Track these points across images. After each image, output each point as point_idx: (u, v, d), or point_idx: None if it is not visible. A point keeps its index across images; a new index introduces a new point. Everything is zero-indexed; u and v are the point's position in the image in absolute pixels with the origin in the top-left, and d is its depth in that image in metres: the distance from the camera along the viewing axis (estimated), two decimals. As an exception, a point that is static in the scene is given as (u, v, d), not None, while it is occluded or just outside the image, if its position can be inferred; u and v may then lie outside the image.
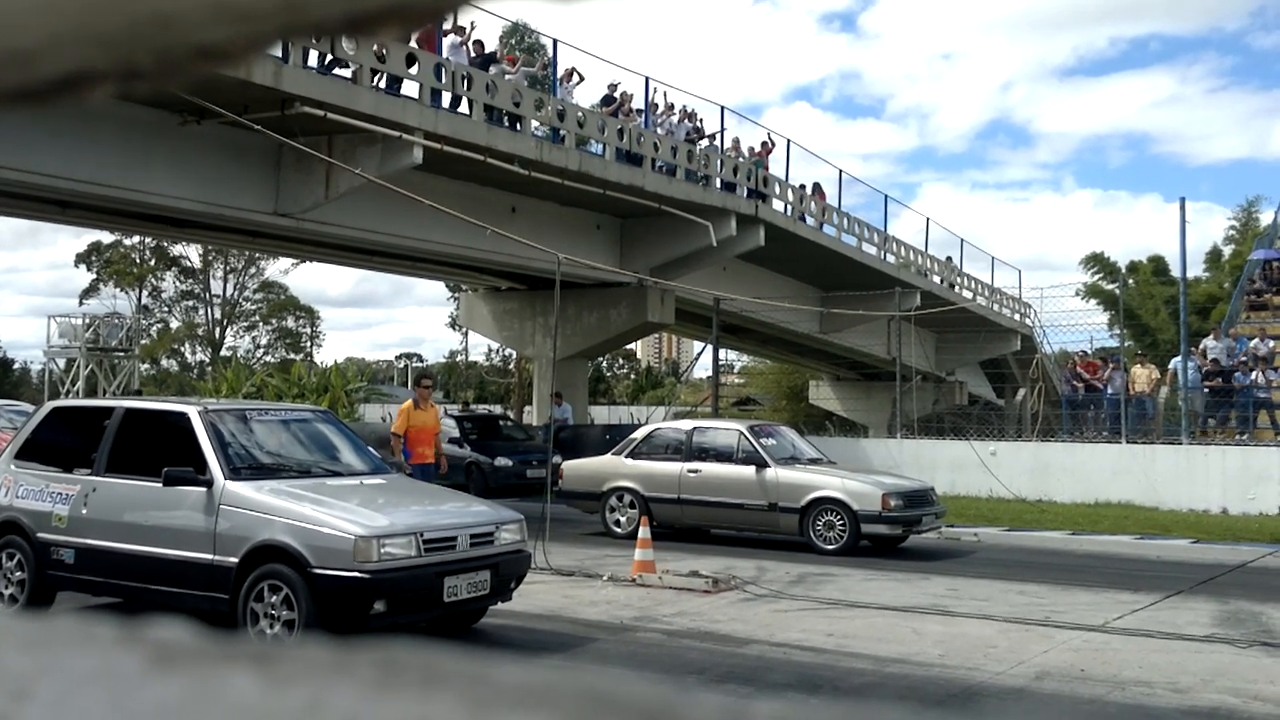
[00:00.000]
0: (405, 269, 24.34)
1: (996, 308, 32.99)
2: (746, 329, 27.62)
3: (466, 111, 16.81)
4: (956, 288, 31.07)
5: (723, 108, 23.60)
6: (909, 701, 5.68)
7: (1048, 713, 5.63)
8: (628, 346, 56.26)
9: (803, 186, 24.32)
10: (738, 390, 52.86)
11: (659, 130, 21.07)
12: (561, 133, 18.38)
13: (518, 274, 22.34)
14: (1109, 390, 19.61)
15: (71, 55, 0.40)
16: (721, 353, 24.41)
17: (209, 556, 6.80)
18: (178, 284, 54.26)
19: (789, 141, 25.12)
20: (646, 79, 21.32)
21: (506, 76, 18.00)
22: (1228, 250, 35.69)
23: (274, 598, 6.58)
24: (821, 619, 8.04)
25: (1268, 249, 26.43)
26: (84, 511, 7.45)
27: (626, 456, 13.40)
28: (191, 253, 51.74)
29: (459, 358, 60.17)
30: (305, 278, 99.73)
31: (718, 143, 22.68)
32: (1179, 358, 19.38)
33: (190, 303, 55.02)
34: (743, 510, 12.49)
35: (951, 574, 10.38)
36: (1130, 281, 34.12)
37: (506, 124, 17.50)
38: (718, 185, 21.66)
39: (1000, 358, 32.56)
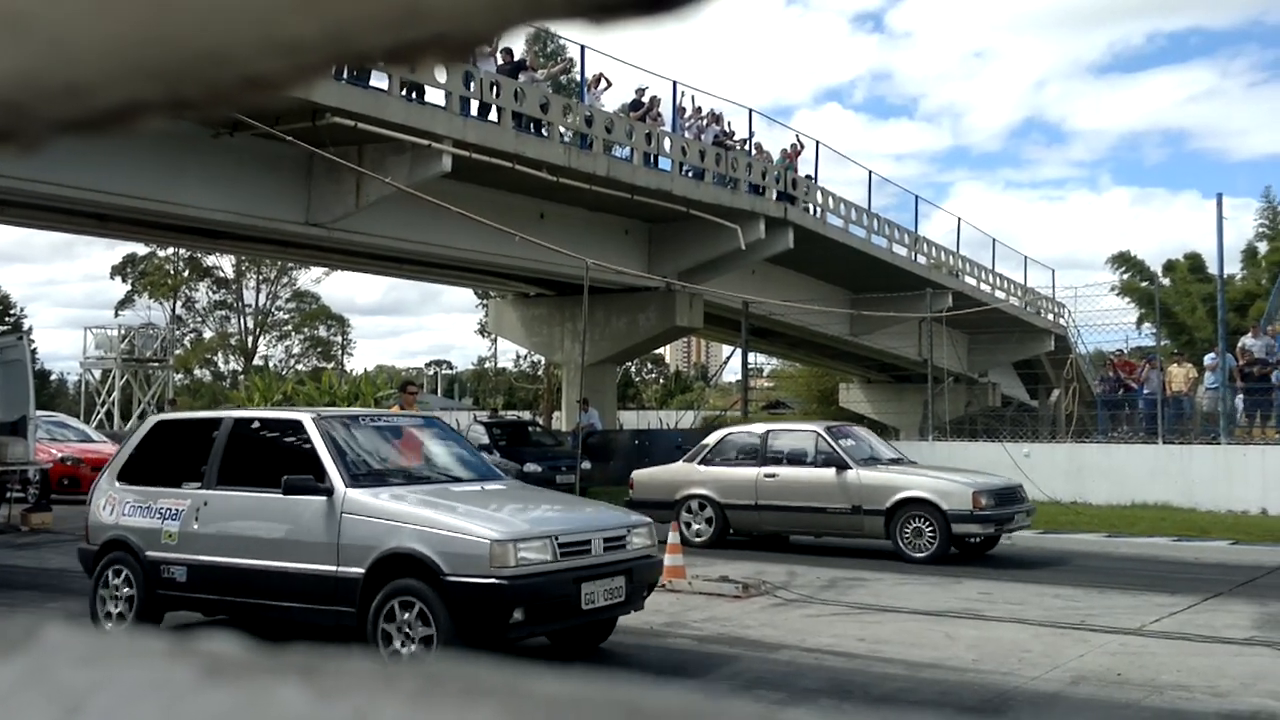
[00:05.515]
0: (435, 276, 24.47)
1: (1030, 308, 32.74)
2: (776, 332, 27.55)
3: (495, 119, 16.90)
4: (991, 288, 30.88)
5: (750, 110, 23.61)
6: (942, 707, 5.65)
7: (1084, 718, 5.57)
8: (656, 351, 56.26)
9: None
10: (767, 394, 52.76)
11: (686, 134, 21.08)
12: (589, 138, 18.43)
13: (546, 280, 22.41)
14: (1145, 390, 19.38)
15: (124, 88, 0.41)
16: (751, 356, 24.35)
17: (332, 568, 6.48)
18: (211, 294, 54.89)
19: (818, 143, 25.09)
20: (674, 83, 21.36)
21: (534, 82, 18.07)
22: (1263, 246, 35.20)
23: (406, 612, 6.21)
24: (853, 624, 7.99)
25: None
26: (195, 526, 7.16)
27: (699, 463, 13.13)
28: (225, 263, 52.32)
29: (488, 364, 60.41)
30: (336, 286, 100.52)
31: (747, 147, 22.67)
32: (1210, 354, 19.13)
33: (223, 313, 55.62)
34: (824, 514, 12.13)
35: (984, 577, 10.28)
36: (1166, 280, 33.74)
37: (534, 130, 17.57)
38: (746, 188, 21.64)
39: (1034, 358, 32.27)
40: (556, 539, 6.39)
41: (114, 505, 7.63)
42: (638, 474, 13.91)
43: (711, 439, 13.67)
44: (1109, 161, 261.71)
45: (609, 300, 22.14)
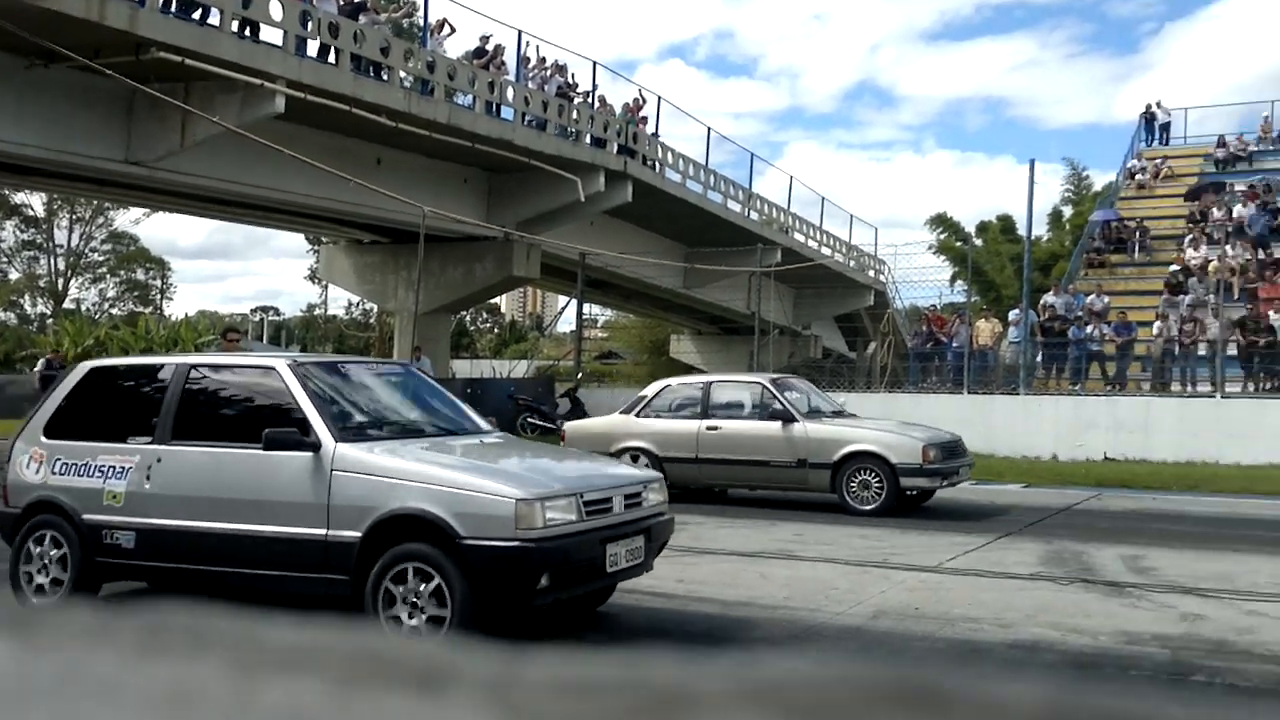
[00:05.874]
0: (264, 220, 23.77)
1: (853, 265, 34.05)
2: (612, 284, 27.89)
3: (333, 61, 16.51)
4: (817, 244, 31.98)
5: (595, 63, 23.70)
6: (752, 642, 6.02)
7: (882, 650, 5.99)
8: (492, 300, 55.99)
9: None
10: (600, 344, 53.21)
11: (530, 84, 21.02)
12: (431, 84, 18.20)
13: (381, 227, 22.09)
14: (954, 344, 20.49)
15: None
16: (586, 307, 24.64)
17: (321, 532, 5.80)
18: (19, 234, 51.52)
19: (659, 98, 25.42)
20: (519, 32, 21.27)
21: (375, 25, 17.71)
22: (1067, 210, 37.51)
23: (413, 580, 5.60)
24: (673, 566, 8.13)
25: (1107, 210, 27.92)
26: (146, 486, 6.35)
27: (636, 415, 12.66)
28: (35, 201, 49.14)
29: (318, 311, 58.92)
30: (156, 228, 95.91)
31: (590, 99, 22.78)
32: (1015, 310, 20.46)
33: (32, 253, 52.34)
34: (768, 468, 11.86)
35: (798, 520, 10.72)
36: (979, 241, 35.60)
37: (374, 74, 17.25)
38: (588, 141, 21.76)
39: (854, 312, 33.60)
40: (582, 497, 5.86)
41: (40, 463, 6.77)
42: (570, 425, 13.44)
43: (650, 390, 13.10)
44: (934, 126, 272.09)
45: (445, 249, 22.00)
